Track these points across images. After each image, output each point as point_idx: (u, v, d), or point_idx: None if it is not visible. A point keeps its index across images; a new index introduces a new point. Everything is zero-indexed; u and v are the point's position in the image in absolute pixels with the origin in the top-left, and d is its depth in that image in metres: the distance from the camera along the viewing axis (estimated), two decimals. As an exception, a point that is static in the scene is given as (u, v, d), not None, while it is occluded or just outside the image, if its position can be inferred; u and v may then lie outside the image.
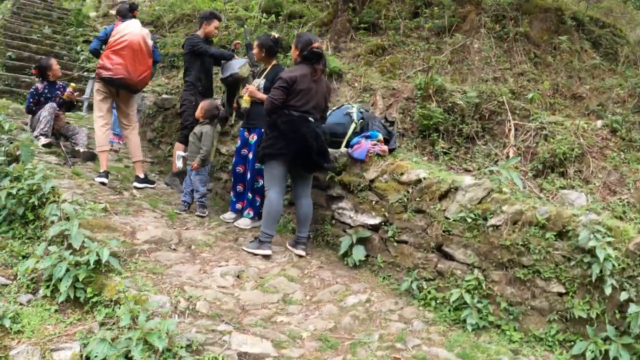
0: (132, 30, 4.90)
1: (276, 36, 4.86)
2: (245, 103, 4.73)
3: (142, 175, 5.37)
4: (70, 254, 3.21)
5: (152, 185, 5.50)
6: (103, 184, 4.96)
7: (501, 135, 4.85)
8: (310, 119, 4.05)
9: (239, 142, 5.01)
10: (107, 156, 5.08)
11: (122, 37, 4.82)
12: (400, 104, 5.34)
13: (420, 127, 5.03)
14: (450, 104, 5.04)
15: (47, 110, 5.52)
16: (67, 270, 3.16)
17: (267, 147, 4.03)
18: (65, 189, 4.35)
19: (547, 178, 4.30)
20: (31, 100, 5.69)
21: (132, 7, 5.23)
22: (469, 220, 3.43)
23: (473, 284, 3.30)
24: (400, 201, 3.91)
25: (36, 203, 4.04)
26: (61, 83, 6.07)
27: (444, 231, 3.59)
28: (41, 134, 5.45)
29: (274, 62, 4.95)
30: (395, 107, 5.37)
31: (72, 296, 3.14)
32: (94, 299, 3.09)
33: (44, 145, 5.41)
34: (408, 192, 3.89)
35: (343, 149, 4.52)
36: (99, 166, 5.54)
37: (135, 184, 5.34)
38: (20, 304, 3.22)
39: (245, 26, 5.86)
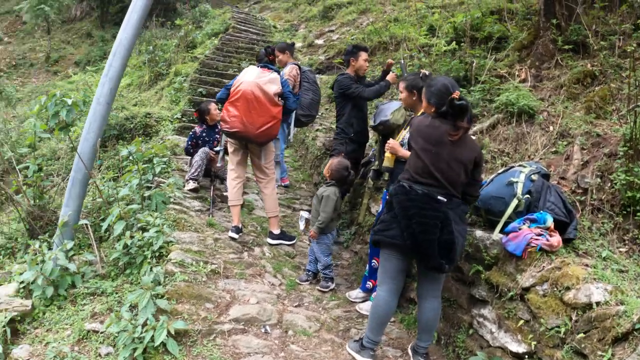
0: (245, 79, 5.02)
1: (427, 74, 4.39)
2: (387, 161, 4.39)
3: (276, 231, 5.48)
4: (137, 325, 3.39)
5: (288, 242, 5.57)
6: (232, 239, 5.21)
7: None
8: (440, 197, 3.38)
9: (380, 206, 4.68)
10: (239, 210, 5.32)
11: (237, 87, 4.99)
12: (598, 163, 4.27)
13: (623, 200, 3.90)
14: (670, 167, 3.80)
15: (199, 155, 6.13)
16: (132, 340, 3.34)
17: (379, 232, 3.56)
18: (183, 244, 4.69)
19: None
20: (189, 143, 6.40)
21: (267, 50, 5.43)
22: (652, 392, 2.41)
23: None
24: (557, 330, 3.01)
25: (149, 257, 4.47)
26: (222, 127, 6.70)
27: (610, 396, 2.61)
28: (190, 179, 6.06)
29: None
30: (593, 166, 4.32)
31: (129, 366, 3.30)
32: (148, 376, 3.18)
33: (190, 190, 6.00)
34: (571, 319, 2.97)
35: (496, 235, 3.76)
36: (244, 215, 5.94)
37: (269, 240, 5.48)
38: (99, 355, 3.57)
39: (402, 59, 5.50)
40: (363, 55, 5.46)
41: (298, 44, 14.04)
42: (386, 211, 3.60)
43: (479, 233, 3.89)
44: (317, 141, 8.30)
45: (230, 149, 5.33)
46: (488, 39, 6.69)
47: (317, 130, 8.67)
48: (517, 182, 3.85)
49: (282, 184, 7.36)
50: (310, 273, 4.91)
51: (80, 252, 5.27)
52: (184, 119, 8.86)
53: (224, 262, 4.70)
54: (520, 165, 4.11)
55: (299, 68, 6.46)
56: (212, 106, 6.48)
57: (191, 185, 6.03)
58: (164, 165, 6.33)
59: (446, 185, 3.40)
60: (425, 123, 3.52)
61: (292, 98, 5.23)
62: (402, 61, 5.47)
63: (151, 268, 4.00)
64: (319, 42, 13.60)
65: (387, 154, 4.33)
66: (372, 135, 6.28)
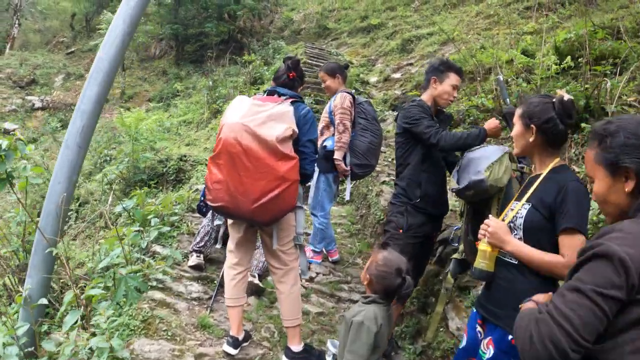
0: (227, 120, 3.11)
1: (565, 97, 2.26)
2: (482, 259, 2.32)
3: (297, 348, 3.46)
4: None
5: (313, 365, 3.57)
6: (228, 355, 3.39)
7: None
8: None
9: (464, 338, 2.61)
10: (241, 313, 3.49)
11: (219, 135, 3.11)
12: None
13: None
14: None
15: (207, 219, 4.45)
16: None
17: None
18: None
19: None
20: (202, 199, 4.74)
21: (287, 64, 3.42)
22: None
23: None
24: None
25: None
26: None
27: None
28: (194, 250, 4.38)
29: (558, 159, 2.34)
30: None
31: None
32: None
33: (191, 267, 4.30)
34: None
35: None
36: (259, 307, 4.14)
37: (284, 360, 3.54)
38: None
39: (500, 75, 3.48)
40: (452, 79, 3.48)
41: (373, 79, 12.53)
42: None
43: None
44: (381, 198, 6.34)
45: (229, 221, 3.51)
46: (601, 59, 4.86)
47: (383, 182, 6.71)
48: None
49: (330, 259, 5.38)
50: None
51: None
52: (222, 164, 7.34)
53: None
54: None
55: (353, 98, 4.62)
56: None
57: (194, 260, 4.33)
58: (169, 228, 4.73)
59: None
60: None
61: (310, 157, 3.19)
62: (500, 77, 3.43)
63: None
64: (396, 75, 12.03)
65: (483, 246, 2.31)
66: (454, 201, 4.21)
